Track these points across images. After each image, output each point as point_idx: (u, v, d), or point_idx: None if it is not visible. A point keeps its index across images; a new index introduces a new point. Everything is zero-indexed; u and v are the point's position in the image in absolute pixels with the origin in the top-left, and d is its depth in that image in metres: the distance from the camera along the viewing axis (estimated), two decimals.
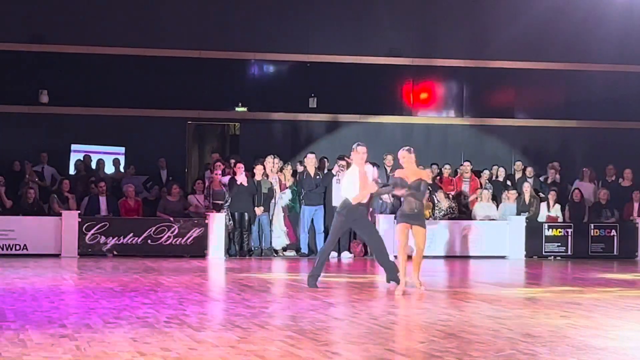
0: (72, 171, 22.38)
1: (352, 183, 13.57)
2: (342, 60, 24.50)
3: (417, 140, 24.27)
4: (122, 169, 22.73)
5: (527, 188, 21.82)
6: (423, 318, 10.53)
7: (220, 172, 20.90)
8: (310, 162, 20.99)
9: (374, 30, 24.66)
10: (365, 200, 13.92)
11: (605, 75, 25.42)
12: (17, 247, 19.45)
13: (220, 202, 20.51)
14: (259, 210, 20.39)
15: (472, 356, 8.13)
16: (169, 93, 23.80)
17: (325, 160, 21.93)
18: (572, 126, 25.38)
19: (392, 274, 13.51)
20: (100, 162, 22.50)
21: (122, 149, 23.19)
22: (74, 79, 23.42)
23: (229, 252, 20.12)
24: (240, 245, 20.46)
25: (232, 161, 21.41)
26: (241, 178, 20.34)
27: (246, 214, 20.34)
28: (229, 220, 20.25)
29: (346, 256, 20.43)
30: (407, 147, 13.72)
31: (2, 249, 19.26)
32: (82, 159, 22.48)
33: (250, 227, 20.46)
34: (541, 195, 22.13)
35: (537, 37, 24.92)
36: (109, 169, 22.61)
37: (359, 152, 13.63)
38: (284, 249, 20.95)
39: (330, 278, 16.46)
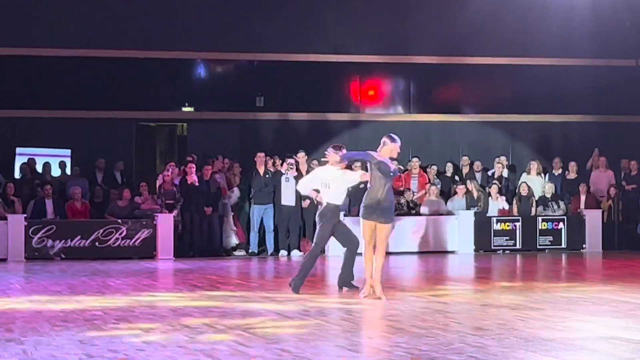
0: (17, 175, 22.13)
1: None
2: (289, 58, 24.46)
3: (365, 137, 24.28)
4: (68, 172, 22.51)
5: (470, 183, 21.96)
6: (372, 314, 10.54)
7: (170, 172, 20.79)
8: (260, 160, 20.96)
9: (320, 27, 24.64)
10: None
11: (549, 69, 25.60)
12: None
13: (171, 201, 20.42)
14: (208, 210, 20.33)
15: (422, 350, 8.14)
16: (115, 94, 23.58)
17: (275, 158, 21.85)
18: (517, 120, 25.54)
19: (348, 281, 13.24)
20: (47, 165, 22.28)
21: (67, 152, 22.96)
22: (17, 81, 23.13)
23: (178, 253, 20.00)
24: (190, 245, 20.38)
25: (189, 159, 21.35)
26: (192, 178, 20.26)
27: (196, 214, 20.27)
28: (179, 221, 20.19)
29: (296, 254, 20.43)
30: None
31: None
32: (27, 162, 22.23)
33: (200, 227, 20.38)
34: (488, 189, 22.26)
35: (480, 32, 24.99)
36: (55, 171, 22.39)
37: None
38: (234, 249, 20.90)
39: (281, 277, 16.47)
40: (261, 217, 20.65)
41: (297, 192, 20.44)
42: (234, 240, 20.98)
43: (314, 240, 13.12)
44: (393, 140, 12.77)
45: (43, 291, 13.32)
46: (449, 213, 21.53)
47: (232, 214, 21.01)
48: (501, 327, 9.42)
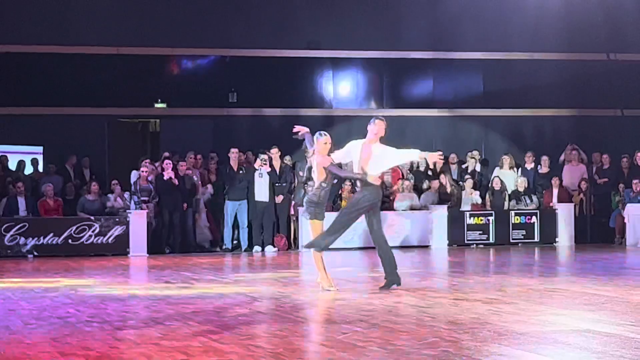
0: None
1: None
2: (261, 54, 24.45)
3: (338, 132, 24.23)
4: (40, 169, 22.40)
5: (443, 178, 22.02)
6: (346, 309, 10.53)
7: (147, 169, 20.72)
8: (233, 156, 20.92)
9: (292, 23, 24.63)
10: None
11: (521, 63, 25.69)
12: None
13: (147, 198, 20.34)
14: (185, 206, 20.28)
15: (396, 345, 8.15)
16: (87, 90, 23.50)
17: (249, 153, 21.83)
18: (490, 115, 25.62)
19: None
20: (22, 163, 22.17)
21: (40, 149, 22.85)
22: None
23: (151, 250, 19.93)
24: (166, 242, 20.32)
25: (167, 154, 21.28)
26: (169, 174, 20.20)
27: (172, 210, 20.21)
28: (154, 217, 20.12)
29: (270, 250, 20.40)
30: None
31: None
32: None
33: (175, 224, 20.31)
34: (461, 184, 22.32)
35: (453, 27, 25.07)
36: (28, 168, 22.27)
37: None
38: (207, 245, 20.85)
39: (254, 272, 16.44)
40: (235, 213, 20.62)
41: (271, 188, 20.47)
42: (207, 237, 20.92)
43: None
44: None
45: (16, 289, 13.24)
46: (423, 208, 21.57)
47: (206, 210, 20.96)
48: (475, 321, 9.44)
